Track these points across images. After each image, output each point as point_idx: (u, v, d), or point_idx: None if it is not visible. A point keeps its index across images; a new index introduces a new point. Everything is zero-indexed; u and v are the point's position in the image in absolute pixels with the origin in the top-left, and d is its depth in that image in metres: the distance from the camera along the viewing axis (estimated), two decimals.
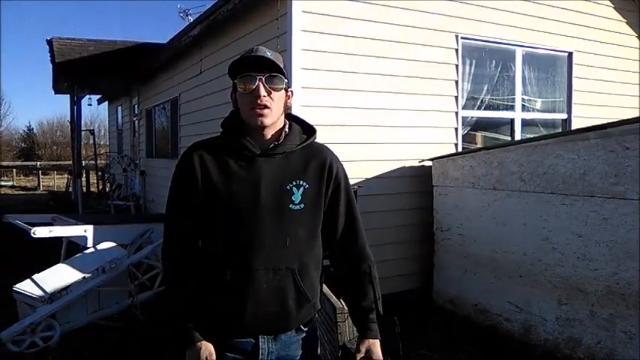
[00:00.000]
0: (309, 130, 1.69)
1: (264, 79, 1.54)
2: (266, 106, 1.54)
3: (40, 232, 4.82)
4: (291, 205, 1.56)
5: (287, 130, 1.64)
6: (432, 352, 3.90)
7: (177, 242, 1.62)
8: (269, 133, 1.60)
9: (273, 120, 1.58)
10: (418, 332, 4.17)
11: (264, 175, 1.56)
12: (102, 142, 23.65)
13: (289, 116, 1.70)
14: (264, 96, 1.53)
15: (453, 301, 4.66)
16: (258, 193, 1.54)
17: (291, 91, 1.66)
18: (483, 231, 4.32)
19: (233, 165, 1.57)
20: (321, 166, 1.64)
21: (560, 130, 6.01)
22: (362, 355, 1.64)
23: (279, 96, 1.57)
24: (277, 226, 1.55)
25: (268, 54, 1.56)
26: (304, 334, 1.66)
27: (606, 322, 3.36)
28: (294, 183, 1.58)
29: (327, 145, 1.73)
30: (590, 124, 3.71)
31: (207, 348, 1.56)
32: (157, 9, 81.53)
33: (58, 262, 4.64)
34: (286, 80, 1.59)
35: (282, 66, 1.57)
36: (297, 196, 1.57)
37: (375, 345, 1.66)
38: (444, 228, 4.74)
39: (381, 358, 1.65)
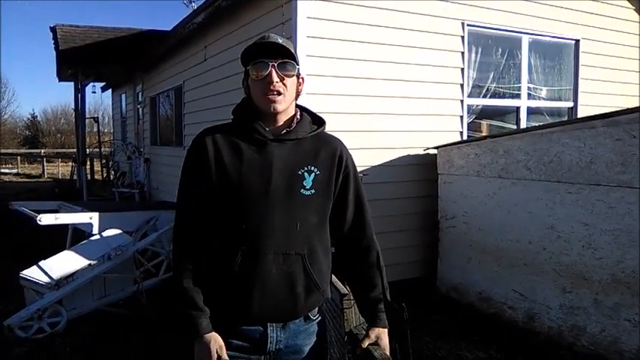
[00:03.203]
0: (318, 120, 1.70)
1: (276, 65, 1.54)
2: (279, 92, 1.54)
3: (46, 219, 4.86)
4: (302, 190, 1.57)
5: (298, 117, 1.65)
6: (436, 340, 3.92)
7: (189, 228, 1.62)
8: (281, 120, 1.60)
9: (285, 106, 1.58)
10: (422, 320, 4.19)
11: (275, 160, 1.56)
12: (106, 130, 23.61)
13: (299, 106, 1.70)
14: (277, 82, 1.53)
15: (456, 289, 4.67)
16: (270, 177, 1.54)
17: (303, 78, 1.66)
18: (488, 219, 4.32)
19: (245, 149, 1.57)
20: (332, 154, 1.64)
21: (566, 118, 5.98)
22: (371, 341, 1.65)
23: (291, 82, 1.58)
24: (288, 210, 1.55)
25: (280, 40, 1.55)
26: (313, 324, 1.66)
27: (611, 310, 3.37)
28: (305, 168, 1.58)
29: (334, 134, 1.73)
30: (596, 113, 3.69)
31: (217, 341, 1.55)
32: None
33: (64, 249, 4.67)
34: (298, 67, 1.59)
35: (293, 52, 1.57)
36: (308, 182, 1.57)
37: (384, 334, 1.67)
38: (449, 216, 4.74)
39: (388, 346, 1.66)
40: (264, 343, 1.59)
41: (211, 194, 1.57)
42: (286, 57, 1.55)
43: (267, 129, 1.58)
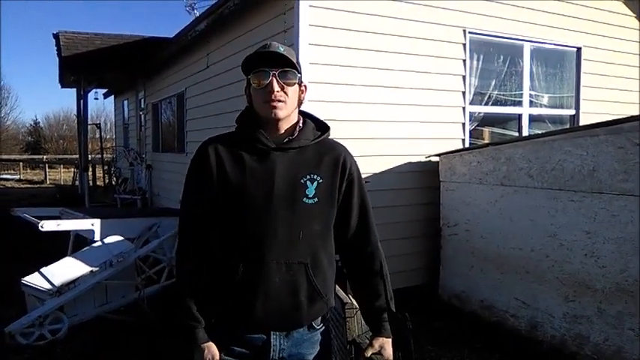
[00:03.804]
0: (322, 126, 1.69)
1: (277, 74, 1.54)
2: (280, 101, 1.54)
3: (48, 225, 4.86)
4: (305, 199, 1.56)
5: (301, 125, 1.64)
6: (438, 348, 3.90)
7: (192, 236, 1.63)
8: (283, 127, 1.60)
9: (287, 113, 1.58)
10: (424, 327, 4.17)
11: (278, 169, 1.56)
12: (108, 136, 23.71)
13: (302, 113, 1.70)
14: (278, 91, 1.54)
15: (459, 297, 4.66)
16: (272, 187, 1.54)
17: (305, 86, 1.66)
18: (490, 227, 4.31)
19: (247, 158, 1.57)
20: (335, 161, 1.64)
21: (567, 126, 5.98)
22: (375, 350, 1.65)
23: (292, 90, 1.58)
24: (291, 219, 1.55)
25: (281, 49, 1.56)
26: (317, 333, 1.66)
27: (614, 319, 3.35)
28: (308, 177, 1.58)
29: (339, 142, 1.72)
30: (598, 120, 3.68)
31: (211, 351, 1.57)
32: (164, 3, 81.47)
33: (65, 256, 4.67)
34: (299, 75, 1.59)
35: (295, 61, 1.57)
36: (311, 190, 1.57)
37: (388, 343, 1.67)
38: (451, 224, 4.73)
39: (392, 356, 1.65)
40: (266, 351, 1.58)
41: (214, 203, 1.58)
42: (287, 66, 1.55)
43: (269, 138, 1.58)
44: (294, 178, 1.57)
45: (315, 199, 1.57)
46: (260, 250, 1.54)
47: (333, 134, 1.71)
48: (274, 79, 1.53)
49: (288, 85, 1.56)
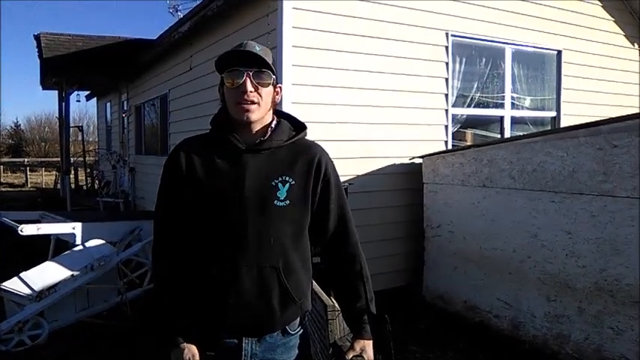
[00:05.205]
0: (298, 126, 1.67)
1: (251, 74, 1.52)
2: (253, 102, 1.52)
3: (28, 229, 4.79)
4: (276, 201, 1.54)
5: (274, 125, 1.62)
6: (422, 349, 3.91)
7: (166, 240, 1.61)
8: (256, 129, 1.58)
9: (259, 115, 1.56)
10: (408, 328, 4.19)
11: (249, 171, 1.54)
12: (91, 139, 23.43)
13: (279, 113, 1.68)
14: (251, 91, 1.52)
15: (442, 298, 4.68)
16: (243, 189, 1.52)
17: (280, 87, 1.64)
18: (473, 228, 4.34)
19: (218, 161, 1.55)
20: (310, 162, 1.61)
21: (549, 127, 6.05)
22: (356, 353, 1.64)
23: (266, 92, 1.56)
24: (261, 222, 1.53)
25: (257, 49, 1.54)
26: (292, 337, 1.63)
27: (594, 318, 3.40)
28: (280, 179, 1.55)
29: (317, 142, 1.71)
30: (578, 122, 3.74)
31: (190, 350, 1.55)
32: (147, 5, 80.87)
33: (46, 260, 4.60)
34: (274, 76, 1.57)
35: (270, 61, 1.55)
36: (282, 192, 1.54)
37: (369, 345, 1.65)
38: (434, 225, 4.76)
39: (372, 358, 1.64)
40: (238, 356, 1.56)
41: (186, 207, 1.57)
42: (262, 66, 1.53)
43: (240, 139, 1.56)
44: (265, 181, 1.54)
45: (287, 202, 1.55)
46: (231, 253, 1.52)
47: (317, 136, 1.70)
48: (248, 79, 1.51)
49: (263, 85, 1.53)
